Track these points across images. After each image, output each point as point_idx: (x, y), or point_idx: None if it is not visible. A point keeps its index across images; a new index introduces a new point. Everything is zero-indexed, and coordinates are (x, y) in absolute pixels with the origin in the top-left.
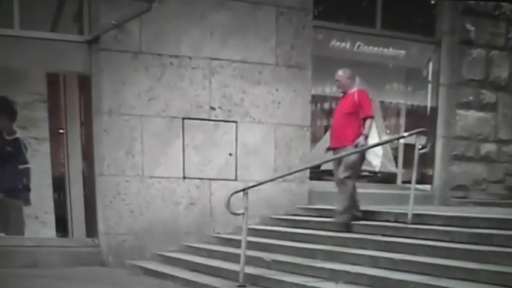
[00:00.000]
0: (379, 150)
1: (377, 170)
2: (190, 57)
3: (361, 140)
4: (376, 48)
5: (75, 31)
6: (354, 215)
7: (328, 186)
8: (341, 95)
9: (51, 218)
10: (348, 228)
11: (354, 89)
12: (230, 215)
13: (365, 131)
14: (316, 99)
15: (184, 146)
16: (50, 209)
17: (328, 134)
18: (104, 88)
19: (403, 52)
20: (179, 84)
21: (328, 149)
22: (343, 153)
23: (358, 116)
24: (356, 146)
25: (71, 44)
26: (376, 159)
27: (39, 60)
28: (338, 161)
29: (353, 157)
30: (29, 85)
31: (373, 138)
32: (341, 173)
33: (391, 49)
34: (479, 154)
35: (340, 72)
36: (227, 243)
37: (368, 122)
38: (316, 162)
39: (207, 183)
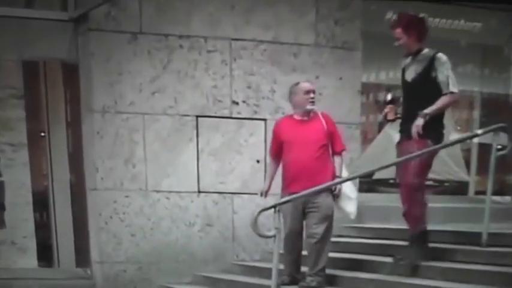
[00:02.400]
0: (352, 191)
1: (352, 217)
2: (205, 38)
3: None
4: (444, 21)
5: (58, 7)
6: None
7: (384, 199)
8: (296, 117)
9: (32, 244)
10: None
11: (317, 113)
12: (258, 237)
13: (339, 172)
14: (367, 89)
15: (199, 151)
16: (30, 232)
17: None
18: (95, 79)
19: (478, 25)
20: (191, 72)
21: (287, 193)
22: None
23: (328, 148)
24: (335, 193)
25: (53, 24)
26: (350, 205)
27: (12, 45)
28: (302, 209)
29: (330, 204)
30: (0, 77)
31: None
32: (315, 227)
33: (463, 21)
34: None
35: (310, 85)
36: (254, 272)
37: (341, 158)
38: (367, 169)
39: (228, 198)
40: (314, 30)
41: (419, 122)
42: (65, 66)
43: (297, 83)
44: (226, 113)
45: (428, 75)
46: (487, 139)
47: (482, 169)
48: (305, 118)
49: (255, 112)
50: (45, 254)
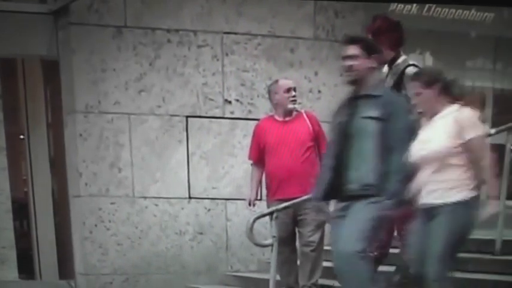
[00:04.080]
0: None
1: None
2: (195, 32)
3: None
4: (453, 11)
5: None
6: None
7: None
8: (278, 118)
9: (12, 255)
10: None
11: (301, 112)
12: (253, 246)
13: None
14: None
15: (189, 154)
16: (10, 242)
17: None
18: (77, 77)
19: (491, 16)
20: (180, 69)
21: (274, 200)
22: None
23: (315, 150)
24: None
25: (31, 17)
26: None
27: None
28: (293, 216)
29: (324, 209)
30: None
31: None
32: (310, 235)
33: (473, 12)
34: None
35: (290, 83)
36: (249, 284)
37: None
38: None
39: (221, 204)
40: (313, 22)
41: None
42: (45, 63)
43: (276, 81)
44: (218, 112)
45: (398, 91)
46: (499, 139)
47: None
48: (287, 118)
49: (250, 111)
50: (26, 265)
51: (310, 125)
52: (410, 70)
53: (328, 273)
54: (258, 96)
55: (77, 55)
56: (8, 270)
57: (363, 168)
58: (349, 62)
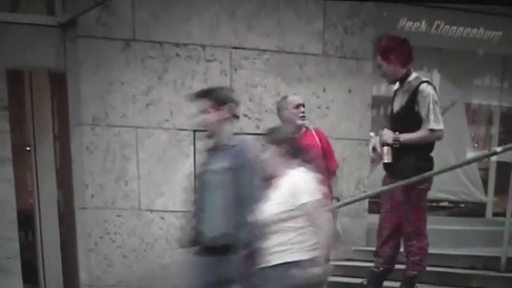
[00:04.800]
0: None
1: (341, 239)
2: (203, 46)
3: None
4: (461, 29)
5: (44, 11)
6: None
7: None
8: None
9: (16, 265)
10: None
11: (310, 128)
12: None
13: (336, 192)
14: (378, 103)
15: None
16: (15, 253)
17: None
18: (84, 90)
19: (499, 34)
20: (188, 83)
21: None
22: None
23: (323, 167)
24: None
25: (39, 29)
26: (338, 226)
27: None
28: None
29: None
30: None
31: None
32: None
33: (482, 30)
34: None
35: (299, 99)
36: None
37: (336, 177)
38: (377, 189)
39: None
40: (321, 38)
41: (389, 139)
42: (52, 75)
43: (285, 97)
44: None
45: (412, 109)
46: (506, 157)
47: (501, 189)
48: (296, 135)
49: (257, 127)
50: (31, 276)
51: (318, 142)
52: (425, 87)
53: None
54: (265, 111)
55: (84, 67)
56: (12, 281)
57: (215, 218)
58: (201, 117)
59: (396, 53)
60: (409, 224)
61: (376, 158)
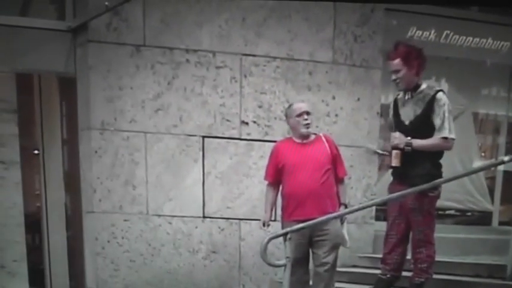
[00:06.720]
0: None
1: (348, 246)
2: (213, 53)
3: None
4: (470, 39)
5: (55, 16)
6: None
7: None
8: (296, 140)
9: (23, 268)
10: None
11: (320, 135)
12: (266, 266)
13: (344, 198)
14: (387, 111)
15: (205, 173)
16: (21, 256)
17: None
18: (93, 94)
19: (507, 44)
20: (198, 89)
21: (290, 221)
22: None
23: (332, 173)
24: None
25: (49, 34)
26: (345, 233)
27: (4, 56)
28: (309, 237)
29: (340, 231)
30: None
31: None
32: (325, 255)
33: (490, 40)
34: None
35: (304, 106)
36: None
37: (345, 183)
38: (385, 197)
39: (235, 224)
40: (331, 46)
41: (401, 143)
42: (62, 80)
43: (291, 105)
44: (234, 133)
45: (428, 119)
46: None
47: (507, 198)
48: (305, 141)
49: (266, 133)
50: (37, 279)
51: (328, 148)
52: (441, 96)
53: None
54: (275, 118)
55: (94, 72)
56: (19, 284)
57: None
58: None
59: (418, 60)
60: (418, 231)
61: (384, 160)
